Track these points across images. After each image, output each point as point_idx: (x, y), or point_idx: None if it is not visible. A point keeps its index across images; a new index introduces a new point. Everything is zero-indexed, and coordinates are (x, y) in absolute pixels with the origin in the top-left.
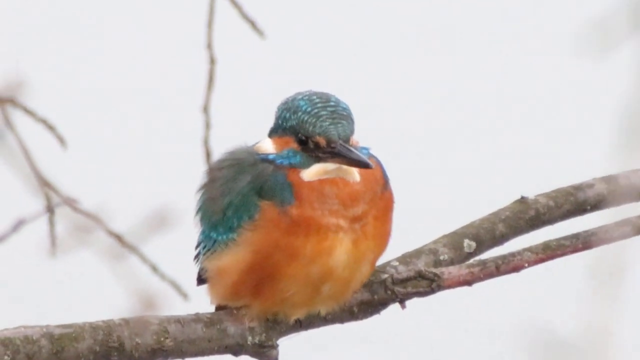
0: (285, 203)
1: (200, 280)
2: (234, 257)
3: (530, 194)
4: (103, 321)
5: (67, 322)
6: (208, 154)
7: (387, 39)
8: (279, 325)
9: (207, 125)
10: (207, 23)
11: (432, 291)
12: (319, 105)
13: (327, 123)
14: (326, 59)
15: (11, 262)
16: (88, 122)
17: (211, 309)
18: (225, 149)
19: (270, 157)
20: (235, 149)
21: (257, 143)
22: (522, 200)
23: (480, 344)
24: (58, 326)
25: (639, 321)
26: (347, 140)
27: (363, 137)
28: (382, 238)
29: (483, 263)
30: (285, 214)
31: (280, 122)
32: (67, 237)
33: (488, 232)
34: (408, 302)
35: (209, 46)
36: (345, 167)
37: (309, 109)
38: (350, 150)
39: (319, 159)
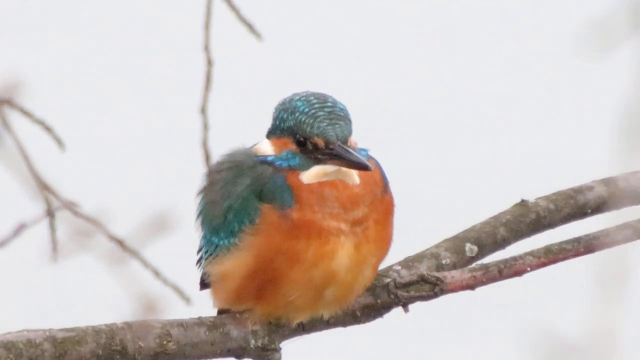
0: (286, 206)
1: (203, 284)
2: (236, 262)
3: (530, 195)
4: (106, 325)
5: (70, 325)
6: (207, 156)
7: (386, 39)
8: (281, 328)
9: (205, 127)
10: (204, 25)
11: (435, 295)
12: (316, 105)
13: (325, 124)
14: (324, 60)
15: (13, 266)
16: (86, 125)
17: (213, 312)
18: (224, 150)
19: (269, 159)
20: (234, 151)
21: (255, 144)
22: (523, 203)
23: (484, 349)
24: (61, 330)
25: None
26: (345, 141)
27: (362, 138)
28: (384, 242)
29: (485, 267)
30: (285, 217)
31: (278, 123)
32: (67, 242)
33: (489, 236)
34: (411, 306)
35: (207, 48)
36: (344, 169)
37: (307, 110)
38: (349, 152)
39: (317, 161)
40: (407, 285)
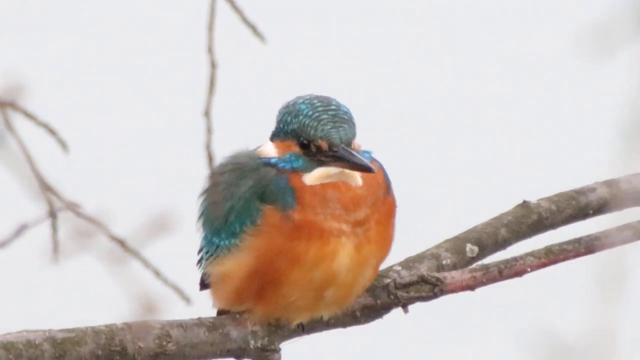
0: (287, 207)
1: (203, 285)
2: (236, 263)
3: (532, 196)
4: (105, 325)
5: (70, 326)
6: (210, 158)
7: (387, 40)
8: (281, 329)
9: (209, 130)
10: (208, 27)
11: (434, 296)
12: (320, 108)
13: (329, 127)
14: (327, 62)
15: (14, 267)
16: (86, 125)
17: (213, 313)
18: (227, 153)
19: (272, 161)
20: (237, 153)
21: (259, 147)
22: (524, 204)
23: (484, 349)
24: (60, 330)
25: None
26: (349, 143)
27: (364, 139)
28: (385, 243)
29: (486, 268)
30: (287, 218)
31: (281, 126)
32: (69, 242)
33: (490, 237)
34: (411, 307)
35: (210, 50)
36: (347, 171)
37: (310, 113)
38: (353, 154)
39: (321, 163)
40: (407, 286)
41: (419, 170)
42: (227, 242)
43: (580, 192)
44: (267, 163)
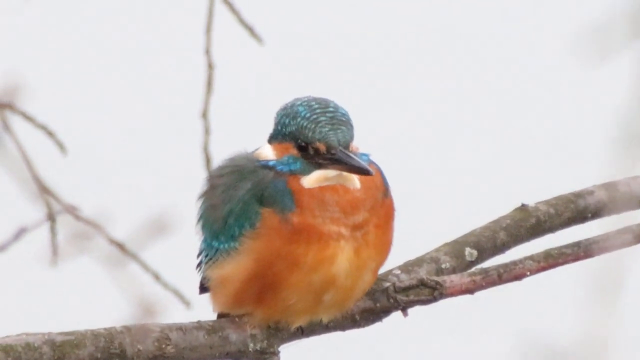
0: (286, 210)
1: (203, 288)
2: (236, 266)
3: (530, 199)
4: (104, 328)
5: (69, 329)
6: (208, 160)
7: (386, 41)
8: (280, 332)
9: (207, 131)
10: (205, 28)
11: (434, 299)
12: (318, 111)
13: (327, 129)
14: (325, 64)
15: (13, 269)
16: (86, 126)
17: (213, 316)
18: (225, 155)
19: (271, 163)
20: (235, 156)
21: (257, 149)
22: (523, 207)
23: (481, 352)
24: (60, 333)
25: (638, 330)
26: (346, 146)
27: (362, 141)
28: (384, 246)
29: (485, 271)
30: (286, 221)
31: (279, 128)
32: (67, 245)
33: (489, 241)
34: (410, 310)
35: (208, 51)
36: (345, 173)
37: (308, 115)
38: (350, 157)
39: (319, 165)
40: (406, 290)
41: (418, 173)
42: (226, 245)
43: (578, 195)
44: (265, 165)
